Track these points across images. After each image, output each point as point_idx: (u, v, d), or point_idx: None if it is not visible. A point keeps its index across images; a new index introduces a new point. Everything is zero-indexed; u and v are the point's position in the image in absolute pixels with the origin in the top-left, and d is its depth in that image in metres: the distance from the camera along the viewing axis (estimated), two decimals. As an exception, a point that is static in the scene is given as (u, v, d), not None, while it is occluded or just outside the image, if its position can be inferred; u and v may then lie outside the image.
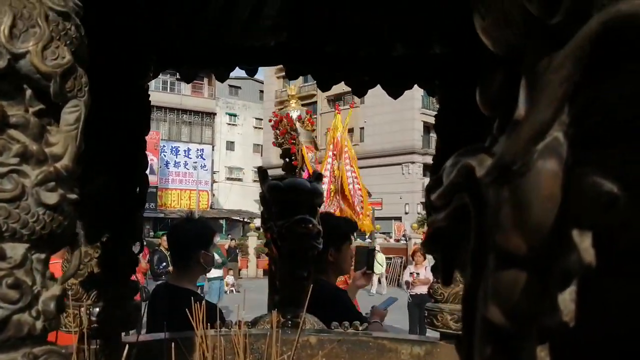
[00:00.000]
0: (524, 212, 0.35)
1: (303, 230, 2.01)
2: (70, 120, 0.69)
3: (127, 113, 1.78)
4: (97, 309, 1.63)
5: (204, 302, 1.86)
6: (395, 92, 2.36)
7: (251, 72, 2.51)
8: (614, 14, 0.30)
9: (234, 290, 14.23)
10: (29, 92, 0.67)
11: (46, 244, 0.68)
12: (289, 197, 2.09)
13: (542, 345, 0.38)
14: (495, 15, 0.43)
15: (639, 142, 0.31)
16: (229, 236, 26.95)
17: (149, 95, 1.90)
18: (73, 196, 0.71)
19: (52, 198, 0.66)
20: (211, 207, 34.37)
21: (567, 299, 0.35)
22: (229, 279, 14.54)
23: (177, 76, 2.32)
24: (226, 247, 17.23)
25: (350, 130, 34.42)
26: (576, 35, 0.32)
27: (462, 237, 0.48)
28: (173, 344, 1.43)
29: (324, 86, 2.44)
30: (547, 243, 0.35)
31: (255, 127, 39.60)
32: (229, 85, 39.22)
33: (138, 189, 1.80)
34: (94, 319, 1.61)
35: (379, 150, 30.73)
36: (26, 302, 0.65)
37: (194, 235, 2.78)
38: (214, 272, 13.07)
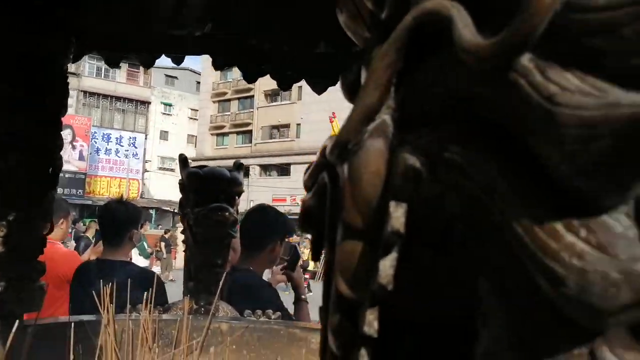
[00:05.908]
0: (356, 187, 0.39)
1: (219, 217, 2.03)
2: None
3: (44, 93, 1.75)
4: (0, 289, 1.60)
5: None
6: (319, 88, 2.40)
7: (177, 61, 2.49)
8: (421, 9, 0.34)
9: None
10: None
11: None
12: (207, 185, 2.10)
13: (371, 309, 0.42)
14: (349, 10, 0.47)
15: (439, 124, 0.36)
16: (159, 226, 26.48)
17: (67, 77, 1.87)
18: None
19: None
20: (141, 196, 33.61)
21: (387, 265, 0.39)
22: (156, 269, 14.28)
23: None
24: (159, 237, 16.97)
25: (287, 126, 34.41)
26: (397, 27, 0.37)
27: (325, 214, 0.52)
28: (74, 325, 1.42)
29: (250, 79, 2.46)
30: (375, 215, 0.39)
31: (191, 118, 38.89)
32: (165, 75, 38.47)
33: (51, 170, 1.77)
34: (-5, 299, 1.58)
35: (315, 147, 30.82)
36: None
37: (127, 215, 2.95)
38: (141, 262, 12.82)
